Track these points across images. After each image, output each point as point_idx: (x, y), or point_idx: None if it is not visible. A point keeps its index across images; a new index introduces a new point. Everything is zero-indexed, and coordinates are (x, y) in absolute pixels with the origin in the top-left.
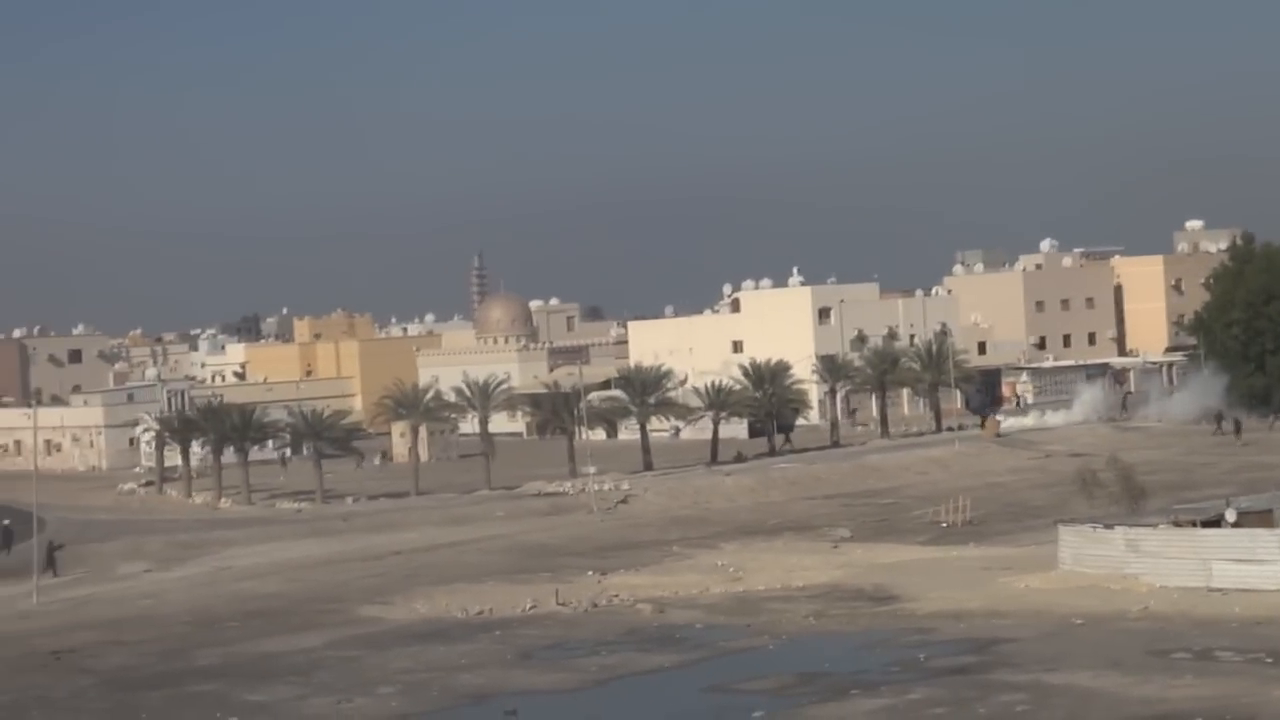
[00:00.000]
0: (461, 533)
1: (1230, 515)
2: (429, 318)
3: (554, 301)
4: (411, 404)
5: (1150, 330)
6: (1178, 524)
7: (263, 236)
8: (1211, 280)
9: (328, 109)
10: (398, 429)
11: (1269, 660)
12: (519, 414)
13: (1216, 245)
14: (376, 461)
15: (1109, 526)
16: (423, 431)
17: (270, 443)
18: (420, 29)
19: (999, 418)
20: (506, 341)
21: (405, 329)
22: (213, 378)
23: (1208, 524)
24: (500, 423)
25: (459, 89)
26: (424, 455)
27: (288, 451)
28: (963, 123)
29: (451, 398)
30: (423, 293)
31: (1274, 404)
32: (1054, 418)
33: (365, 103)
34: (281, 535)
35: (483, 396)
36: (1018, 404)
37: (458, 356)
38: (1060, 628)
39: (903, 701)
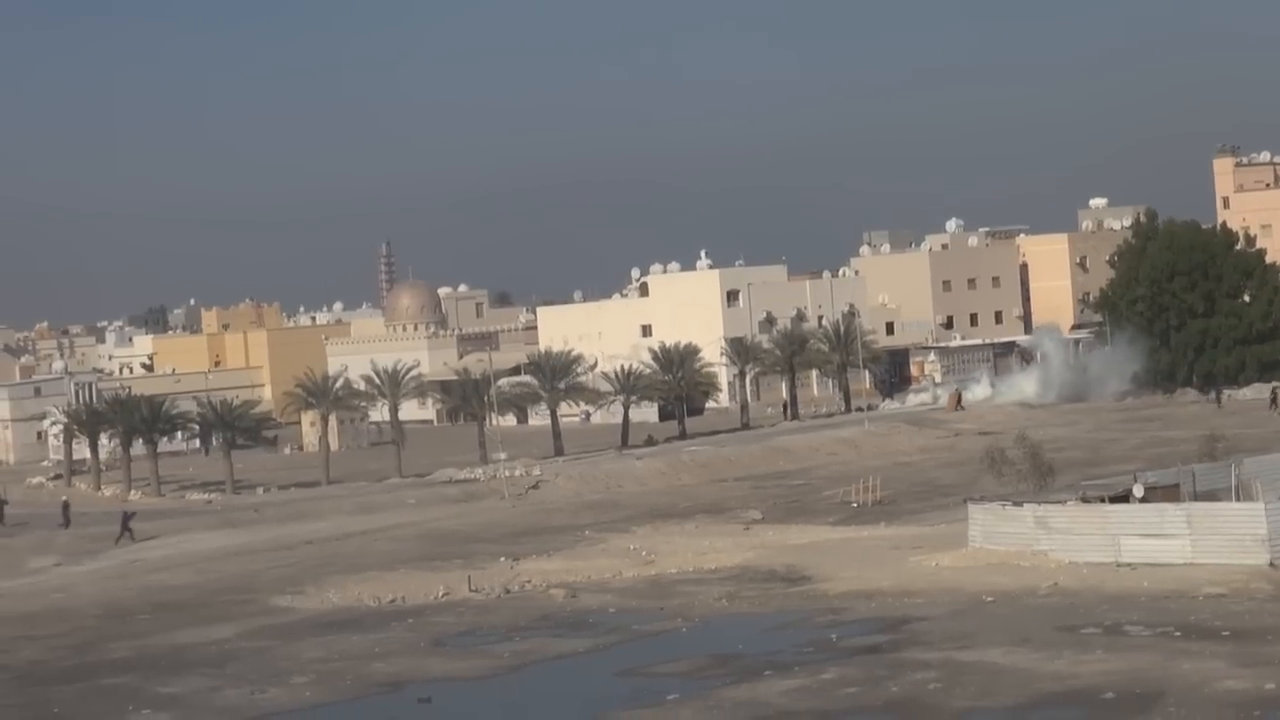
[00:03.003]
0: (373, 521)
1: (1138, 491)
2: (337, 306)
3: (463, 288)
4: (321, 393)
5: (1056, 308)
6: (1086, 500)
7: (170, 224)
8: (1116, 257)
9: (237, 98)
10: (308, 418)
11: (1177, 634)
12: (429, 401)
13: (1120, 223)
14: (287, 451)
15: (1018, 504)
16: (333, 420)
17: (180, 434)
18: (323, 19)
19: (963, 391)
20: (416, 329)
21: (314, 318)
22: (120, 370)
23: (1116, 500)
24: (410, 410)
25: (362, 77)
26: (334, 444)
27: (198, 442)
28: (868, 105)
29: (361, 386)
30: (331, 281)
31: (1179, 380)
32: (1008, 393)
33: (272, 92)
34: (192, 527)
35: (392, 384)
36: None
37: (367, 345)
38: (971, 605)
39: (816, 681)
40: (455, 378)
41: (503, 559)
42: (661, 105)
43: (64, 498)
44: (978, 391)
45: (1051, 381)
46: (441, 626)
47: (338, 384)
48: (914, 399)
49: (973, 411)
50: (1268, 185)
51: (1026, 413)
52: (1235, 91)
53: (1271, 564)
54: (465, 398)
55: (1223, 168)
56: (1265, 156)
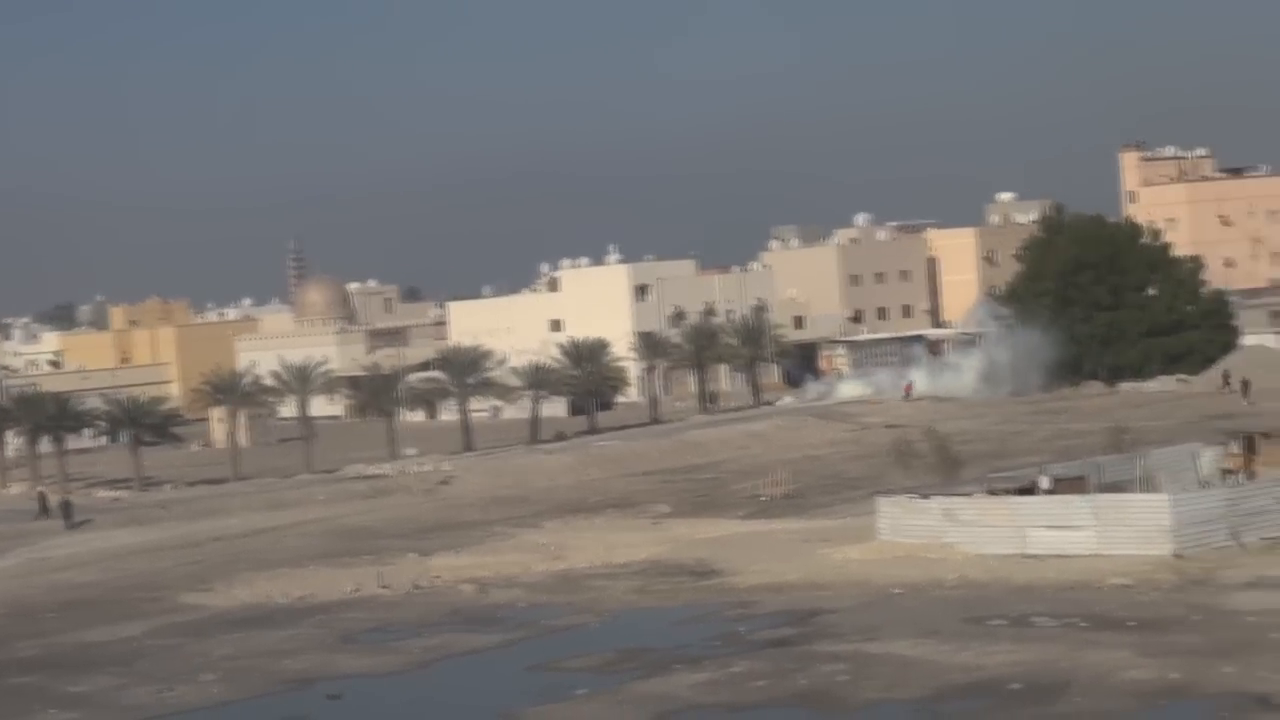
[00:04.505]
0: (282, 517)
1: (1044, 482)
2: (246, 302)
3: (372, 283)
4: (229, 389)
5: (964, 301)
6: (993, 492)
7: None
8: (1023, 251)
9: (141, 93)
10: (216, 415)
11: (1083, 624)
12: (338, 397)
13: (1027, 216)
14: (195, 448)
15: (926, 496)
16: (241, 417)
17: (87, 431)
18: (236, 13)
19: (911, 382)
20: (325, 325)
21: (222, 314)
22: (26, 367)
23: (1022, 492)
24: (320, 406)
25: (273, 71)
26: (243, 440)
27: (105, 439)
28: (777, 100)
29: (270, 382)
30: (240, 277)
31: (1085, 372)
32: (954, 385)
33: (180, 87)
34: (100, 524)
35: (301, 380)
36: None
37: (276, 340)
38: (879, 597)
39: (725, 674)
40: (365, 373)
41: (412, 555)
42: (572, 101)
43: (40, 491)
44: (918, 384)
45: (999, 373)
46: (351, 623)
47: (246, 380)
48: (817, 390)
49: (885, 405)
50: (1173, 179)
51: (935, 406)
52: (1140, 86)
53: (1176, 555)
54: (375, 393)
55: (1129, 162)
56: (1170, 151)
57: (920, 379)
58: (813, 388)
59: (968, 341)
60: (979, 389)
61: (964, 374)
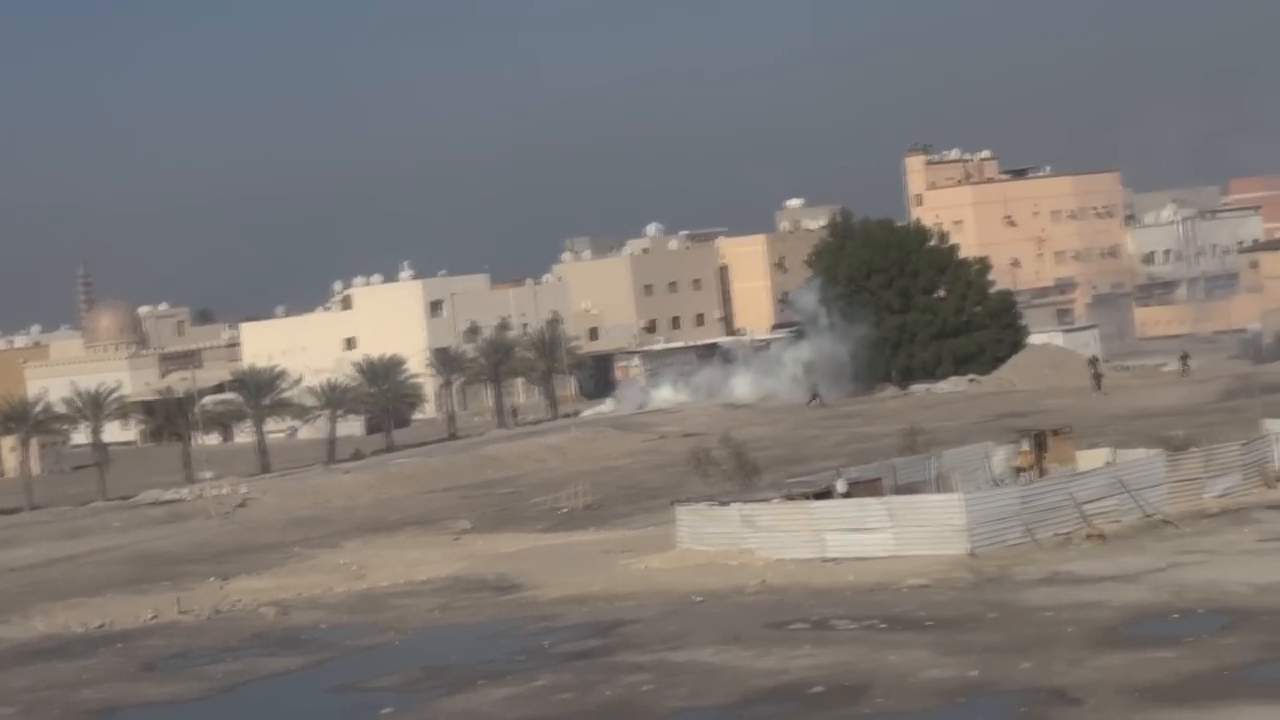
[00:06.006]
0: (78, 546)
1: (840, 486)
2: (35, 329)
3: (163, 306)
4: (20, 416)
5: (756, 309)
6: (790, 497)
7: None
8: (813, 257)
9: None
10: (7, 443)
11: (883, 625)
12: (133, 422)
13: (817, 223)
14: None
15: (724, 503)
16: (34, 444)
17: None
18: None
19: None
20: (116, 349)
21: (11, 341)
22: None
23: (819, 496)
24: (114, 432)
25: (51, 87)
26: (35, 469)
27: None
28: (568, 110)
29: (62, 409)
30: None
31: (878, 375)
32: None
33: None
34: None
35: (94, 406)
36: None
37: (67, 367)
38: (681, 606)
39: (529, 689)
40: (158, 397)
41: (212, 579)
42: (361, 117)
43: None
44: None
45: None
46: (151, 650)
47: (38, 407)
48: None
49: (675, 413)
50: (959, 182)
51: (731, 413)
52: (924, 90)
53: (971, 553)
54: (169, 417)
55: (914, 165)
56: (955, 154)
57: (744, 384)
58: (633, 396)
59: (761, 348)
60: (794, 391)
61: (783, 378)
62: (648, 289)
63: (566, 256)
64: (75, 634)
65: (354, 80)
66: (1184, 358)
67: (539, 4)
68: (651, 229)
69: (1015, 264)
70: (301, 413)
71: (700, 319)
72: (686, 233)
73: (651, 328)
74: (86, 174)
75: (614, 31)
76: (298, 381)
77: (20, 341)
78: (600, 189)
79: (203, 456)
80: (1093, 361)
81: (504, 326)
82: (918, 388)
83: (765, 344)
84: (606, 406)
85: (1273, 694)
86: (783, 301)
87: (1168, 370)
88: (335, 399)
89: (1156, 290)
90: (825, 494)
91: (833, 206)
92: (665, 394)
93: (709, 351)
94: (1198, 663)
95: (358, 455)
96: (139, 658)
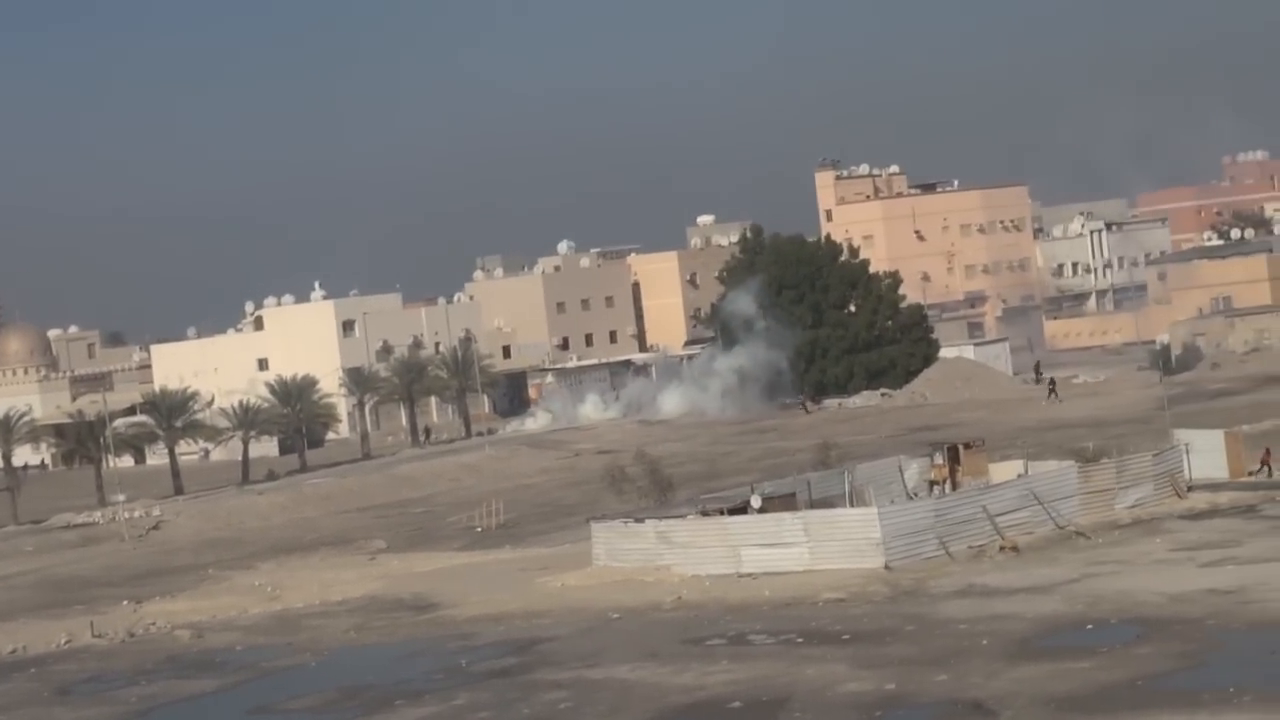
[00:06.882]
0: None
1: (755, 501)
2: None
3: (73, 329)
4: None
5: (669, 325)
6: (706, 513)
7: None
8: (725, 273)
9: None
10: None
11: (800, 640)
12: (44, 445)
13: (728, 238)
14: None
15: (639, 520)
16: None
17: None
18: None
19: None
20: (26, 373)
21: None
22: None
23: (734, 511)
24: (24, 455)
25: None
26: None
27: None
28: (475, 129)
29: None
30: None
31: (791, 390)
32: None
33: None
34: None
35: (4, 430)
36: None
37: None
38: (598, 623)
39: (448, 708)
40: (70, 420)
41: (126, 602)
42: (269, 136)
43: None
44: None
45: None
46: (65, 675)
47: None
48: (533, 421)
49: (590, 430)
50: (868, 197)
51: (646, 430)
52: (833, 107)
53: (887, 567)
54: (80, 440)
55: (824, 181)
56: (864, 169)
57: (673, 399)
58: (561, 411)
59: (673, 365)
60: (724, 406)
61: (713, 391)
62: (560, 306)
63: (479, 275)
64: None
65: (266, 99)
66: (1051, 383)
67: (450, 29)
68: (563, 247)
69: (925, 278)
70: (214, 434)
71: (613, 336)
72: (598, 250)
73: (565, 345)
74: None
75: (526, 51)
76: (210, 403)
77: None
78: (510, 207)
79: (115, 479)
80: (1043, 374)
81: (417, 345)
82: (830, 402)
83: (679, 360)
84: (538, 421)
85: (1186, 703)
86: (695, 317)
87: (1038, 397)
88: (248, 420)
89: (1066, 303)
90: (740, 509)
91: (744, 222)
92: (591, 409)
93: (623, 368)
94: (1112, 673)
95: (272, 476)
96: (53, 683)
